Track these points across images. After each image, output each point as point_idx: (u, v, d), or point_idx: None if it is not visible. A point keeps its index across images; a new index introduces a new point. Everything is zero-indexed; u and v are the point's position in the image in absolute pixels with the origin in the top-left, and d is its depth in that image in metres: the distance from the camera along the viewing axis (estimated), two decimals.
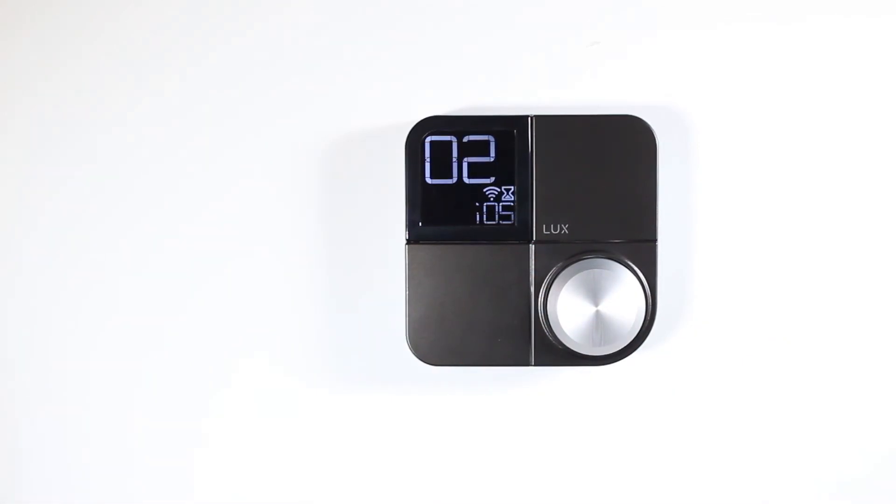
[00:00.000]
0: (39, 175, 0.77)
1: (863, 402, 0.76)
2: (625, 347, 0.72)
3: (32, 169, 0.77)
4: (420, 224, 0.73)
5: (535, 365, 0.73)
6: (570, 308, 0.71)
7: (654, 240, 0.72)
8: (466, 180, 0.73)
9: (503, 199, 0.73)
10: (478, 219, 0.73)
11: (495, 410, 0.77)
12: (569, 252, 0.73)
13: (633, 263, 0.72)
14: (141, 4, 0.76)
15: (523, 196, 0.73)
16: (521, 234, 0.73)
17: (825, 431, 0.77)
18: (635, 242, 0.72)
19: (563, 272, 0.72)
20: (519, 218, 0.73)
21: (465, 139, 0.73)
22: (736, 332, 0.76)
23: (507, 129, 0.73)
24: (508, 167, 0.73)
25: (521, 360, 0.73)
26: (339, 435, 0.77)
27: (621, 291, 0.71)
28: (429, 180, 0.73)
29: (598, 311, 0.71)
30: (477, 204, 0.73)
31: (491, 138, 0.73)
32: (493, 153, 0.73)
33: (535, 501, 0.78)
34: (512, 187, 0.73)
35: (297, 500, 0.78)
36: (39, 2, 0.77)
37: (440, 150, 0.73)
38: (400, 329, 0.75)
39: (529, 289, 0.73)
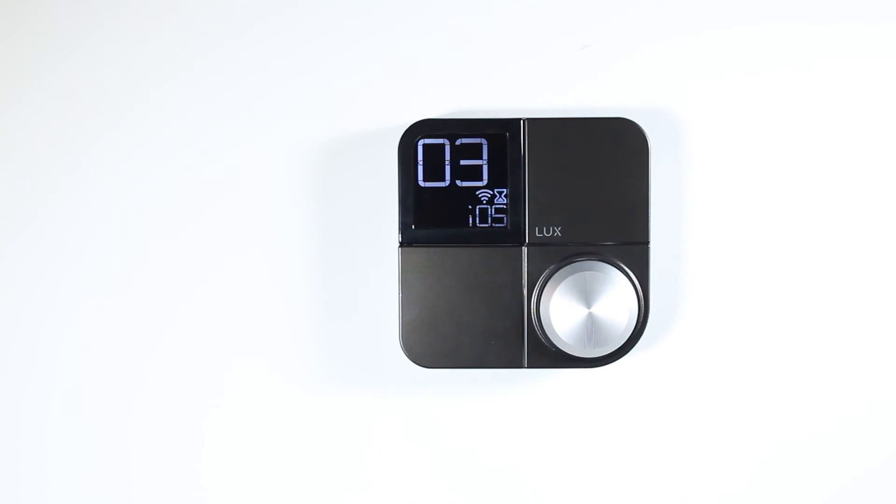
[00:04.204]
0: (33, 179, 0.77)
1: (858, 403, 0.76)
2: (617, 350, 0.72)
3: (26, 172, 0.77)
4: (413, 227, 0.73)
5: (528, 367, 0.73)
6: (562, 310, 0.72)
7: (647, 242, 0.73)
8: (459, 183, 0.73)
9: (496, 201, 0.73)
10: (470, 221, 0.73)
11: (488, 413, 0.77)
12: (561, 254, 0.73)
13: (626, 266, 0.72)
14: (137, 6, 0.76)
15: (516, 199, 0.73)
16: (513, 236, 0.73)
17: (819, 433, 0.77)
18: (628, 245, 0.72)
19: (556, 274, 0.72)
20: (511, 220, 0.73)
21: (458, 142, 0.73)
22: (728, 333, 0.76)
23: (500, 131, 0.73)
24: (501, 170, 0.73)
25: (515, 363, 0.73)
26: (332, 437, 0.77)
27: (614, 294, 0.71)
28: (422, 183, 0.73)
29: (590, 314, 0.71)
30: (469, 207, 0.73)
31: (483, 141, 0.73)
32: (485, 156, 0.73)
33: (529, 503, 0.78)
34: (504, 190, 0.73)
35: (289, 502, 0.78)
36: (37, 3, 0.77)
37: (433, 153, 0.73)
38: (393, 331, 0.75)
39: (522, 291, 0.73)
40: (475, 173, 0.73)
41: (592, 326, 0.71)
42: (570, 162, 0.73)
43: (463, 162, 0.73)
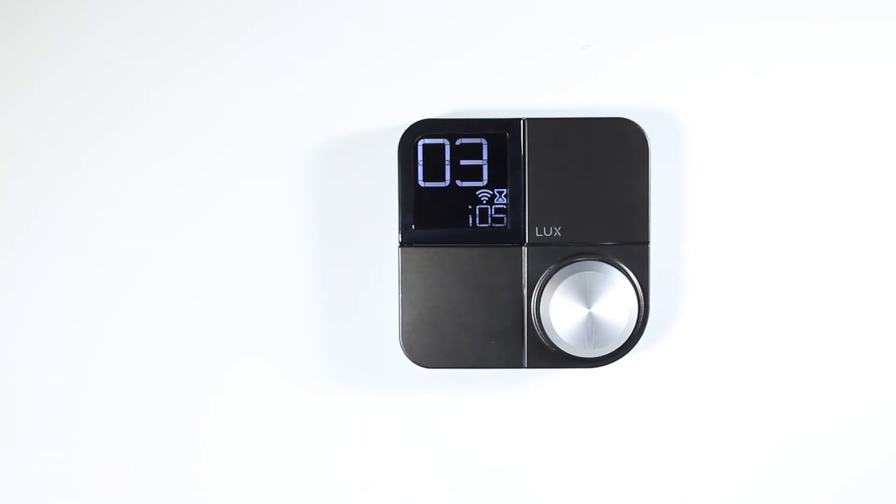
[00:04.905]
0: (33, 179, 0.77)
1: (858, 403, 0.76)
2: (617, 350, 0.72)
3: (26, 172, 0.77)
4: (413, 227, 0.73)
5: (528, 367, 0.73)
6: (562, 310, 0.72)
7: (647, 242, 0.73)
8: (459, 183, 0.73)
9: (496, 201, 0.73)
10: (470, 221, 0.73)
11: (488, 413, 0.77)
12: (561, 254, 0.73)
13: (626, 266, 0.72)
14: (137, 6, 0.76)
15: (516, 199, 0.73)
16: (513, 236, 0.73)
17: (819, 433, 0.77)
18: (628, 245, 0.72)
19: (556, 274, 0.72)
20: (511, 220, 0.73)
21: (458, 142, 0.73)
22: (728, 334, 0.76)
23: (500, 131, 0.73)
24: (501, 170, 0.73)
25: (514, 363, 0.73)
26: (332, 437, 0.77)
27: (614, 294, 0.71)
28: (422, 183, 0.73)
29: (590, 314, 0.71)
30: (469, 207, 0.73)
31: (483, 141, 0.73)
32: (485, 156, 0.73)
33: (529, 503, 0.78)
34: (504, 190, 0.73)
35: (289, 502, 0.78)
36: (37, 3, 0.77)
37: (433, 153, 0.73)
38: (393, 331, 0.75)
39: (522, 291, 0.73)
40: (475, 173, 0.73)
41: (592, 326, 0.71)
42: (570, 162, 0.73)
43: (463, 162, 0.73)
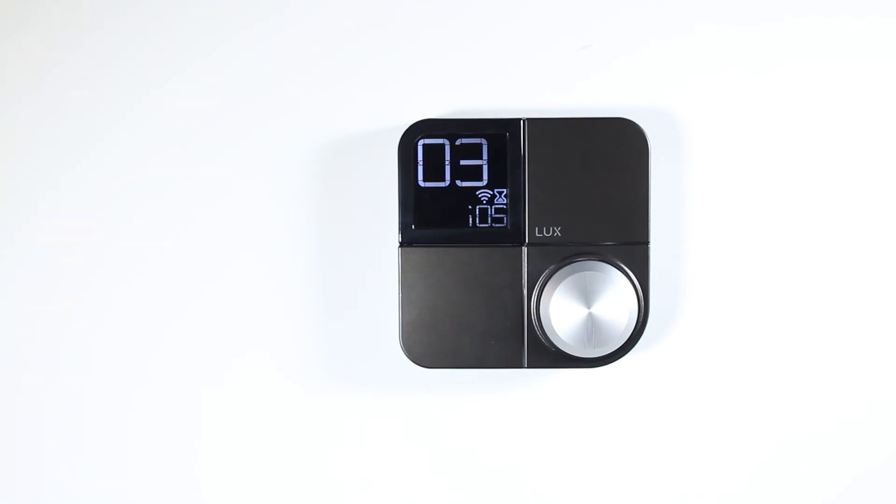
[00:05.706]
0: (33, 178, 0.77)
1: (858, 403, 0.76)
2: (617, 350, 0.72)
3: (26, 171, 0.77)
4: (413, 227, 0.73)
5: (528, 367, 0.73)
6: (562, 310, 0.72)
7: (647, 242, 0.73)
8: (459, 183, 0.73)
9: (496, 201, 0.73)
10: (470, 221, 0.73)
11: (488, 413, 0.77)
12: (561, 254, 0.73)
13: (626, 266, 0.72)
14: (137, 6, 0.76)
15: (516, 199, 0.73)
16: (513, 236, 0.73)
17: (819, 433, 0.77)
18: (628, 245, 0.72)
19: (556, 274, 0.72)
20: (511, 221, 0.73)
21: (458, 142, 0.73)
22: (728, 334, 0.76)
23: (500, 131, 0.73)
24: (501, 170, 0.73)
25: (514, 363, 0.73)
26: (332, 437, 0.77)
27: (614, 294, 0.71)
28: (422, 183, 0.73)
29: (590, 314, 0.71)
30: (469, 207, 0.73)
31: (483, 141, 0.73)
32: (485, 156, 0.73)
33: (529, 503, 0.78)
34: (504, 190, 0.73)
35: (288, 502, 0.78)
36: (37, 3, 0.77)
37: (433, 153, 0.73)
38: (393, 331, 0.75)
39: (522, 291, 0.73)
40: (475, 173, 0.73)
41: (592, 326, 0.71)
42: (570, 162, 0.73)
43: (463, 162, 0.73)
